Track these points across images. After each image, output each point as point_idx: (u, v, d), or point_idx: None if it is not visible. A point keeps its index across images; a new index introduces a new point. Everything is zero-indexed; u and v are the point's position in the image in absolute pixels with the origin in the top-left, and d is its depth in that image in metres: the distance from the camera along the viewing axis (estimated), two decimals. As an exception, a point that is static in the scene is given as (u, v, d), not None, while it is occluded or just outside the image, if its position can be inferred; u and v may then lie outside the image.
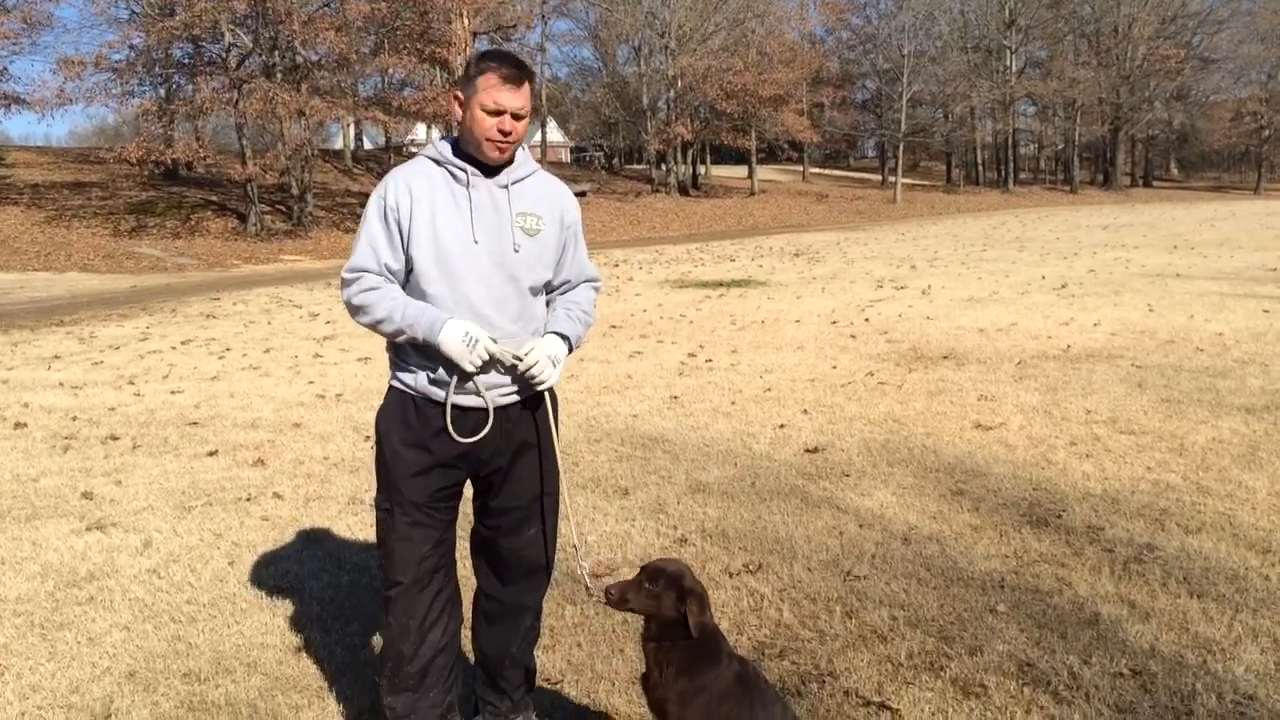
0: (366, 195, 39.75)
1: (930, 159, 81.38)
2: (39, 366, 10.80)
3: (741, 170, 59.65)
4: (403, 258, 3.01)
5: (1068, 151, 69.80)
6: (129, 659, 3.95)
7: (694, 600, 2.87)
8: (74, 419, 8.13)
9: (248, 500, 5.93)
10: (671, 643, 2.88)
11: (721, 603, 4.34)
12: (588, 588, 3.21)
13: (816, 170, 70.40)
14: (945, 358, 9.63)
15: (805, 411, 7.68)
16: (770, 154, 66.88)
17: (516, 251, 3.05)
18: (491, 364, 3.02)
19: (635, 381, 9.09)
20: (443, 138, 3.14)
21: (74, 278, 22.92)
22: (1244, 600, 4.17)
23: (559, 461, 3.25)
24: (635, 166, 61.93)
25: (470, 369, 2.97)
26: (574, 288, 3.31)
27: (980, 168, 70.97)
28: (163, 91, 35.07)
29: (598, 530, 5.28)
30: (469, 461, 3.13)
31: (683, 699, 2.86)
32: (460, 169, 3.03)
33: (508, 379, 3.09)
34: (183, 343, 12.63)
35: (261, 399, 8.89)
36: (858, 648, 3.90)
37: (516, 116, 2.97)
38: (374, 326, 3.03)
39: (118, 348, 12.25)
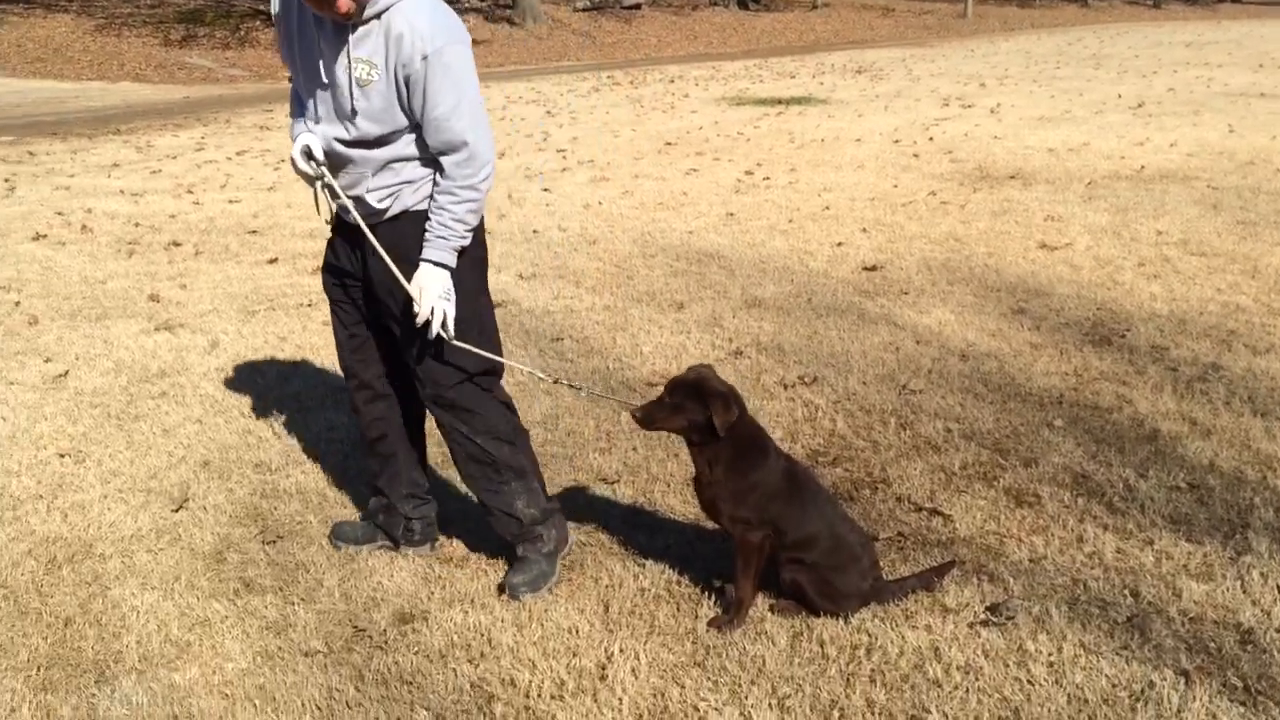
0: (417, 5, 38.41)
1: (1005, -28, 76.90)
2: (99, 174, 10.87)
3: (804, -17, 56.87)
4: None
5: (1154, -36, 65.58)
6: (203, 449, 4.10)
7: (717, 401, 2.87)
8: (136, 225, 8.22)
9: (309, 306, 6.01)
10: (716, 445, 2.91)
11: (776, 413, 4.38)
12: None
13: (883, -17, 66.92)
14: (1012, 177, 9.33)
15: (864, 230, 7.54)
16: (835, -35, 63.55)
17: (353, 103, 2.85)
18: (316, 179, 2.97)
19: (690, 199, 8.95)
20: None
21: (127, 87, 22.80)
22: (1309, 421, 4.12)
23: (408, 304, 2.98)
24: (693, -22, 59.30)
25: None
26: (439, 158, 2.91)
27: (1058, -18, 66.99)
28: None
29: (653, 342, 5.30)
30: (347, 273, 3.14)
31: (735, 497, 2.92)
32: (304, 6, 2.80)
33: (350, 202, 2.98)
34: (238, 153, 12.60)
35: (318, 209, 8.90)
36: (911, 457, 3.93)
37: None
38: None
39: (174, 157, 12.27)
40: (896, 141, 11.72)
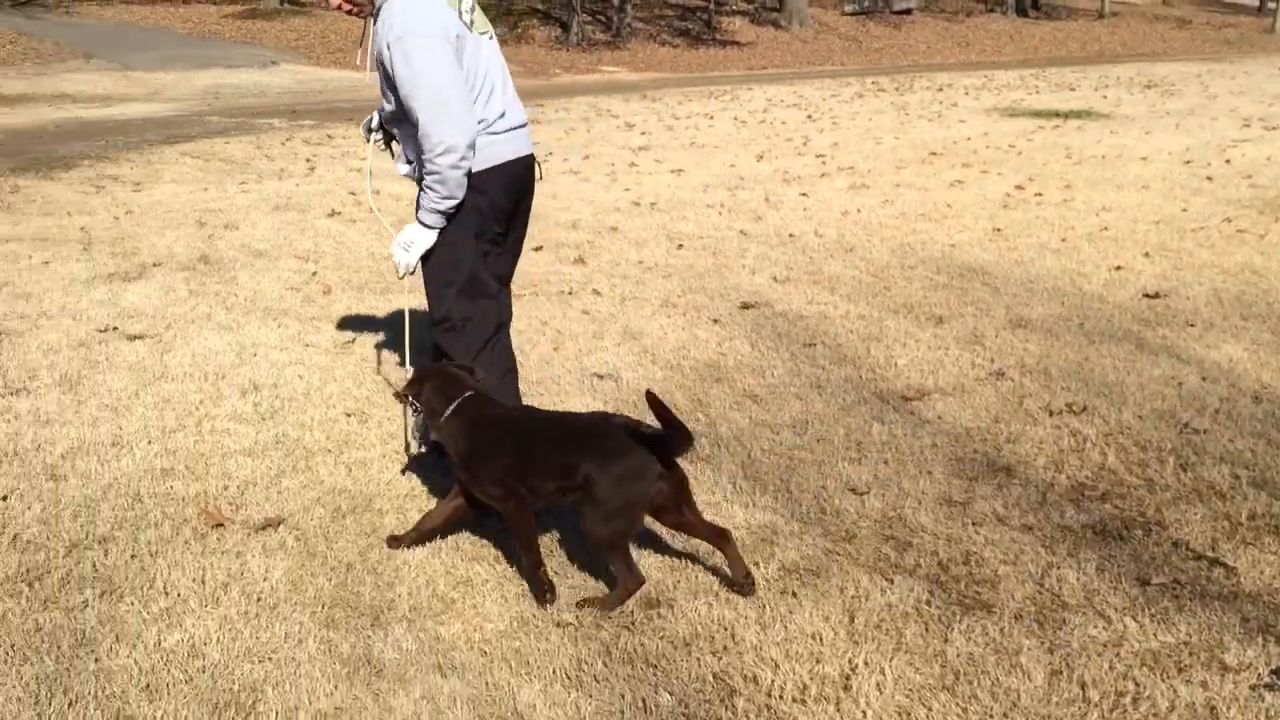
0: (685, 8, 38.98)
1: (1323, -18, 69.82)
2: (387, 158, 11.70)
3: (1090, -9, 53.74)
4: None
5: None
6: (471, 422, 4.34)
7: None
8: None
9: (569, 294, 6.25)
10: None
11: (1039, 439, 4.18)
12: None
13: (1179, -7, 62.31)
14: (1321, 208, 8.50)
15: (1146, 255, 7.07)
16: (1126, -27, 59.79)
17: (374, 83, 3.62)
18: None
19: (954, 211, 8.68)
20: None
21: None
22: None
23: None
24: (968, -16, 57.34)
25: None
26: None
27: (1387, -6, 60.17)
28: (499, -104, 35.78)
29: (908, 355, 5.18)
30: None
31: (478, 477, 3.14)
32: None
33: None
34: (511, 145, 13.24)
35: (581, 202, 9.23)
36: (1191, 501, 3.65)
37: None
38: None
39: (454, 146, 13.04)
40: (1188, 162, 10.92)
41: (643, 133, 14.44)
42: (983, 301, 6.06)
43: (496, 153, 3.57)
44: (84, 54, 24.46)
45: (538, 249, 7.37)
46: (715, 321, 5.74)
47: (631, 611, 3.01)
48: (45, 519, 3.43)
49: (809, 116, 15.97)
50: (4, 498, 3.55)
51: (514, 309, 5.91)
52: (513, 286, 6.29)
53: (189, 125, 15.04)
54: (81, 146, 12.53)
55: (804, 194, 9.46)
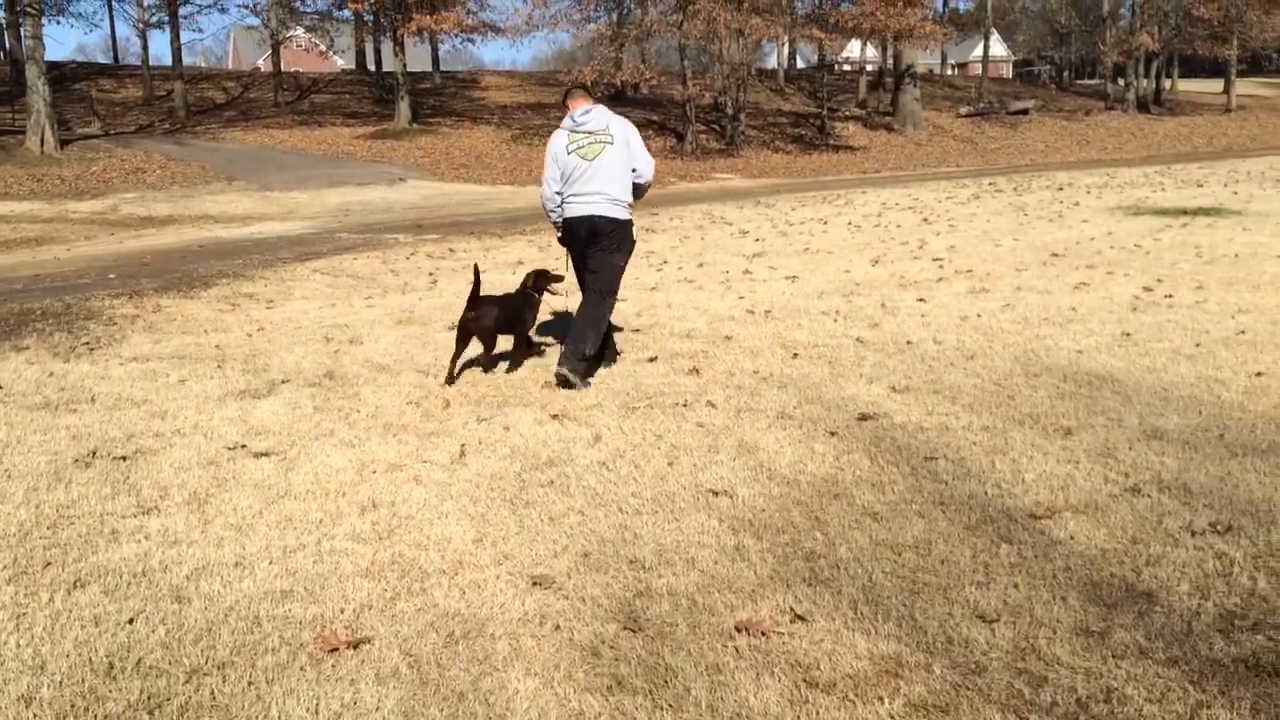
0: (798, 114, 39.80)
1: None
2: (505, 270, 12.02)
3: (1215, 84, 52.67)
4: None
5: None
6: (583, 541, 4.31)
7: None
8: (535, 320, 8.95)
9: (684, 406, 6.22)
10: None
11: (1181, 562, 3.93)
12: None
13: (1310, 81, 60.49)
14: None
15: (1290, 359, 6.70)
16: (1254, 65, 58.54)
17: None
18: None
19: (1080, 315, 8.42)
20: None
21: (535, 191, 25.21)
22: None
23: None
24: (1087, 82, 56.90)
25: None
26: None
27: None
28: (615, 16, 37.29)
29: (1036, 469, 4.97)
30: None
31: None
32: None
33: None
34: (626, 254, 13.46)
35: (695, 311, 9.27)
36: (1357, 635, 3.36)
37: None
38: None
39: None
40: (1329, 259, 10.42)
41: (756, 239, 14.53)
42: (1114, 411, 5.81)
43: (567, 211, 6.93)
44: (226, 176, 26.06)
45: (652, 359, 7.40)
46: (832, 434, 5.63)
47: (748, 750, 2.89)
48: (168, 643, 3.49)
49: (924, 219, 15.86)
50: (130, 620, 3.64)
51: (630, 422, 5.97)
52: (629, 400, 6.40)
53: (320, 242, 15.77)
54: (220, 265, 13.25)
55: (921, 299, 9.32)
